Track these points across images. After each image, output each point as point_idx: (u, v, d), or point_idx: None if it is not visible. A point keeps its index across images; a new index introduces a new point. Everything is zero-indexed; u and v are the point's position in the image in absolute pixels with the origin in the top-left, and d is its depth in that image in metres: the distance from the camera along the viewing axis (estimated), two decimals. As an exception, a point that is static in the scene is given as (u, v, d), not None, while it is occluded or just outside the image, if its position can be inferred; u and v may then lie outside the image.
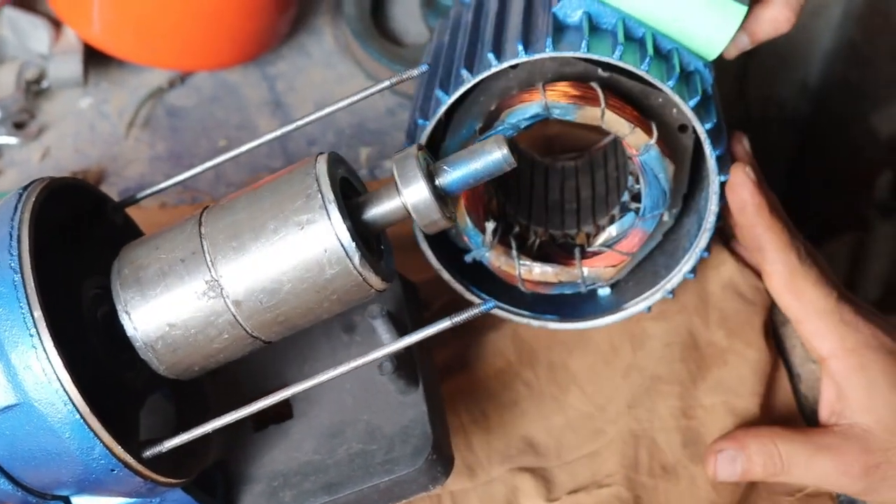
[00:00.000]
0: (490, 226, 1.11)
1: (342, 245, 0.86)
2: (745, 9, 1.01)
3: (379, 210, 0.90)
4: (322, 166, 0.88)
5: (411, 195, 0.88)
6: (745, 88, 2.18)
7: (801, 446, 1.09)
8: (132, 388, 0.96)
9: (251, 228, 0.88)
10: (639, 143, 1.04)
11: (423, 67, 0.95)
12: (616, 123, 1.03)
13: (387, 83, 0.95)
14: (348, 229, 0.86)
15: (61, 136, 1.35)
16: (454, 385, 1.17)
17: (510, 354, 1.19)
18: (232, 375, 1.04)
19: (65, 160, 1.34)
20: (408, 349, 1.01)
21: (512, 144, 0.89)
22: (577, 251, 1.14)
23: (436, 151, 1.09)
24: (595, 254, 1.13)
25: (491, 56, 1.01)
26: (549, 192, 1.22)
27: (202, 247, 0.89)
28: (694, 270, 1.12)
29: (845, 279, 2.17)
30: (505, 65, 1.01)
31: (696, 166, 1.10)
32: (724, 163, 1.06)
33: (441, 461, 0.99)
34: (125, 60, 1.38)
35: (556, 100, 1.02)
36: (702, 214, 1.10)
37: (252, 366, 1.04)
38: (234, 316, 0.89)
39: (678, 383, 1.17)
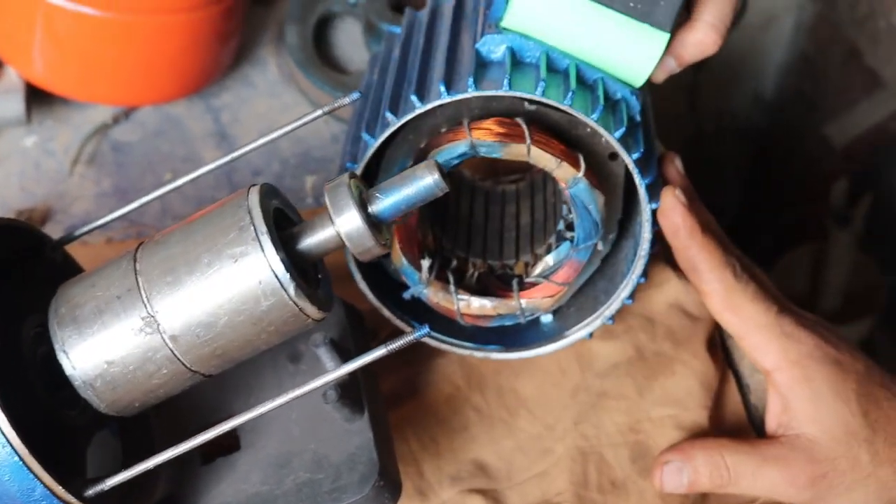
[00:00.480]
0: (426, 263, 1.13)
1: (276, 276, 0.87)
2: (666, 36, 1.02)
3: (313, 239, 0.90)
4: (254, 198, 0.89)
5: (344, 223, 0.88)
6: (696, 101, 2.19)
7: (748, 457, 1.10)
8: (76, 426, 0.96)
9: (185, 262, 0.88)
10: (567, 177, 1.05)
11: (355, 95, 0.96)
12: (542, 158, 1.04)
13: (320, 112, 0.96)
14: (282, 260, 0.87)
15: (6, 175, 1.35)
16: (403, 412, 1.18)
17: (459, 380, 1.20)
18: (177, 409, 1.04)
19: (10, 199, 1.33)
20: (352, 376, 1.02)
21: (443, 169, 0.89)
22: (514, 283, 1.15)
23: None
24: (532, 285, 1.15)
25: (414, 98, 1.03)
26: (488, 219, 1.23)
27: (137, 283, 0.89)
28: (632, 296, 1.13)
29: (806, 290, 2.19)
30: (429, 106, 1.03)
31: (631, 191, 1.11)
32: (655, 190, 1.07)
33: (388, 487, 0.99)
34: (68, 98, 1.38)
35: (481, 138, 1.04)
36: (638, 239, 1.11)
37: (198, 398, 1.05)
38: (171, 351, 0.89)
39: (624, 398, 1.17)
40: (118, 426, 1.03)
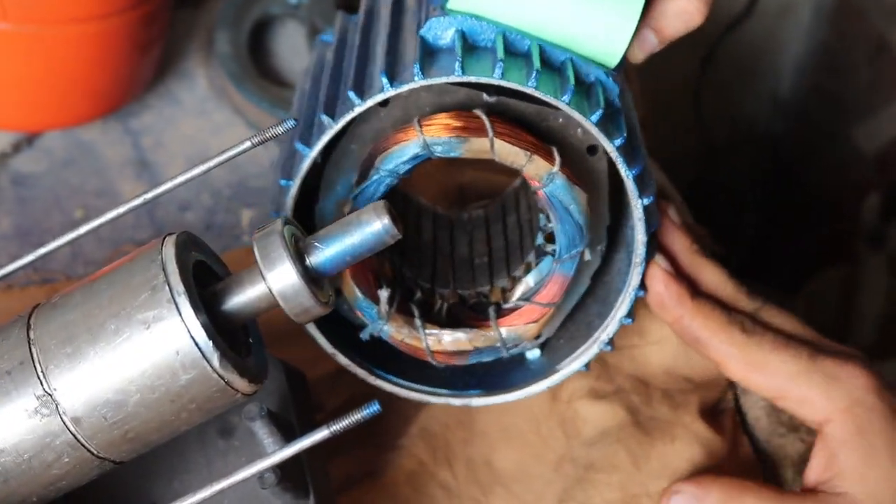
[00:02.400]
0: (384, 294, 1.09)
1: (197, 345, 0.85)
2: (639, 4, 1.00)
3: (241, 299, 0.88)
4: (169, 250, 0.87)
5: (277, 280, 0.86)
6: (701, 109, 2.18)
7: None
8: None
9: (88, 330, 0.86)
10: (540, 173, 1.02)
11: (290, 124, 0.94)
12: (509, 153, 1.01)
13: (248, 144, 0.94)
14: (203, 325, 0.85)
15: None
16: (356, 496, 1.16)
17: (422, 454, 1.18)
18: (87, 499, 1.01)
19: None
20: (295, 455, 0.99)
21: (394, 212, 0.87)
22: (491, 310, 1.13)
23: (310, 216, 1.07)
24: (513, 310, 1.12)
25: (352, 95, 1.00)
26: (455, 246, 1.20)
27: (31, 355, 0.87)
28: (631, 314, 1.11)
29: (835, 321, 2.18)
30: (370, 102, 1.00)
31: (618, 192, 1.08)
32: (645, 183, 1.05)
33: (340, 587, 0.97)
34: (-41, 123, 1.36)
35: (435, 135, 1.01)
36: (630, 246, 1.09)
37: (111, 486, 1.02)
38: (73, 436, 0.87)
39: (617, 470, 1.16)
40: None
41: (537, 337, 1.13)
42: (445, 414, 1.19)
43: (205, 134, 1.41)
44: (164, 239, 0.88)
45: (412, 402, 1.18)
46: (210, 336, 0.85)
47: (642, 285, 1.09)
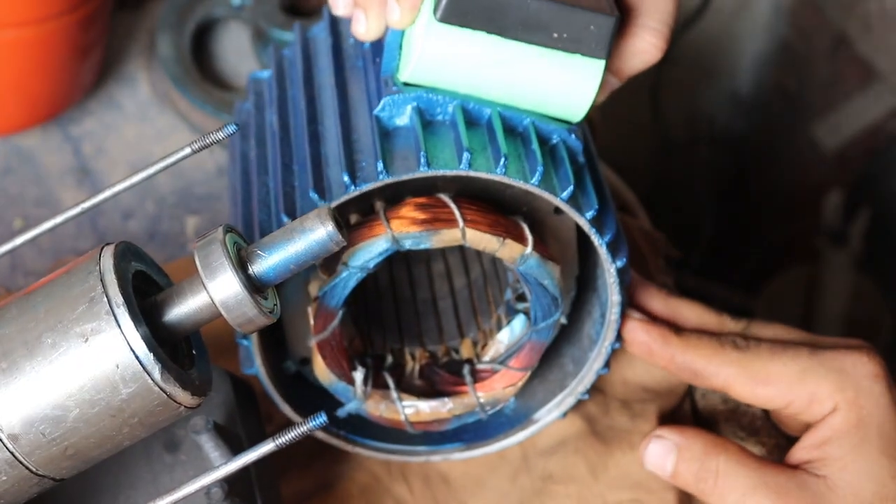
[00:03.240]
0: (359, 375, 1.09)
1: (137, 357, 0.83)
2: (602, 63, 0.99)
3: (183, 310, 0.87)
4: (107, 261, 0.85)
5: (219, 289, 0.85)
6: (661, 105, 2.18)
7: (747, 473, 1.09)
8: None
9: (24, 344, 0.85)
10: (514, 255, 1.02)
11: (232, 128, 0.93)
12: (482, 240, 1.01)
13: (188, 150, 0.93)
14: (143, 337, 0.83)
15: None
16: (309, 511, 1.15)
17: (377, 467, 1.17)
18: (29, 515, 1.01)
19: None
20: (243, 469, 0.99)
21: (339, 218, 0.86)
22: (466, 373, 1.12)
23: None
24: (487, 372, 1.12)
25: (314, 196, 1.00)
26: (415, 287, 1.20)
27: (-35, 370, 0.86)
28: (608, 364, 1.12)
29: (798, 319, 2.18)
30: (335, 203, 1.00)
31: (586, 242, 1.08)
32: (617, 246, 1.05)
33: None
34: None
35: (403, 230, 1.00)
36: (601, 294, 1.10)
37: (54, 501, 1.01)
38: (11, 453, 0.86)
39: (574, 481, 1.16)
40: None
41: (513, 395, 1.14)
42: None
43: (148, 140, 1.40)
44: (101, 249, 0.87)
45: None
46: (151, 348, 0.83)
47: (618, 338, 1.10)
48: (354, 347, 1.11)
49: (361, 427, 1.14)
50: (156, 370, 0.84)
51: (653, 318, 1.14)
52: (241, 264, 0.86)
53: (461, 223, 1.00)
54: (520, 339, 1.10)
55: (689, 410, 1.21)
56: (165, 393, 0.85)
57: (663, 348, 1.12)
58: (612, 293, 1.07)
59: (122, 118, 1.42)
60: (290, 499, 1.12)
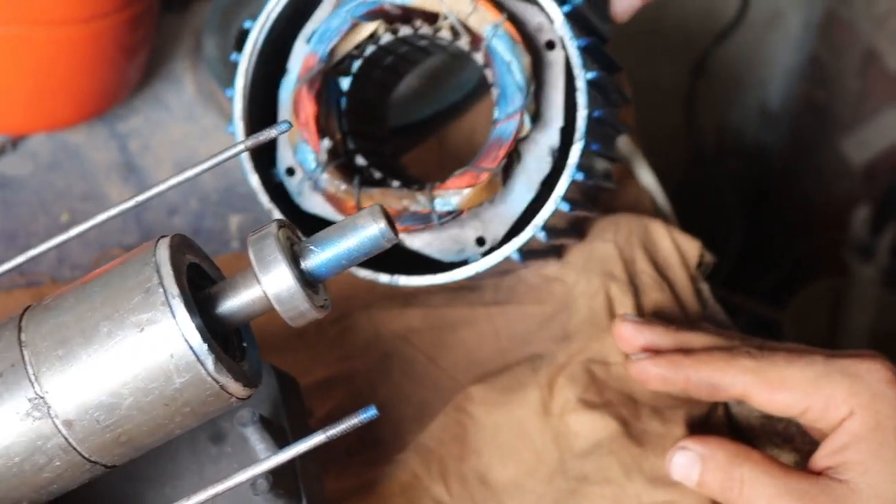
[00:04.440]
0: (326, 143, 1.12)
1: (191, 348, 0.84)
2: None
3: (235, 302, 0.88)
4: (163, 253, 0.86)
5: (272, 283, 0.86)
6: (694, 116, 2.19)
7: (771, 482, 1.09)
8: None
9: (81, 332, 0.85)
10: (484, 24, 1.04)
11: (285, 126, 0.94)
12: (456, 1, 1.05)
13: (241, 146, 0.93)
14: (198, 329, 0.84)
15: None
16: (348, 510, 1.15)
17: (417, 467, 1.17)
18: (78, 502, 1.01)
19: None
20: (288, 461, 0.99)
21: (390, 216, 0.87)
22: (428, 185, 1.14)
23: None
24: (451, 178, 1.13)
25: None
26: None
27: (23, 357, 0.86)
28: (569, 198, 1.11)
29: (823, 334, 2.18)
30: None
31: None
32: (593, 58, 1.07)
33: None
34: (-57, 125, 1.35)
35: None
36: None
37: (102, 491, 1.02)
38: (65, 439, 0.86)
39: (609, 482, 1.15)
40: (4, 527, 1.00)
41: (481, 243, 1.14)
42: (441, 430, 1.19)
43: (192, 138, 1.41)
44: (157, 241, 0.88)
45: (408, 417, 1.19)
46: (205, 339, 0.84)
47: (581, 166, 1.10)
48: (329, 130, 1.14)
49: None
50: (209, 361, 0.85)
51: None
52: (294, 259, 0.87)
53: None
54: (485, 144, 1.11)
55: (723, 417, 1.21)
56: (218, 384, 0.85)
57: (676, 372, 1.14)
58: (580, 106, 1.08)
59: (168, 117, 1.43)
60: (331, 496, 1.12)
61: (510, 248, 1.13)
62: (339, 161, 1.13)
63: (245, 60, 1.11)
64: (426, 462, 1.18)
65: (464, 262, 1.15)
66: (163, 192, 0.95)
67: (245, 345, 0.92)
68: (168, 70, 1.46)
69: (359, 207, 1.12)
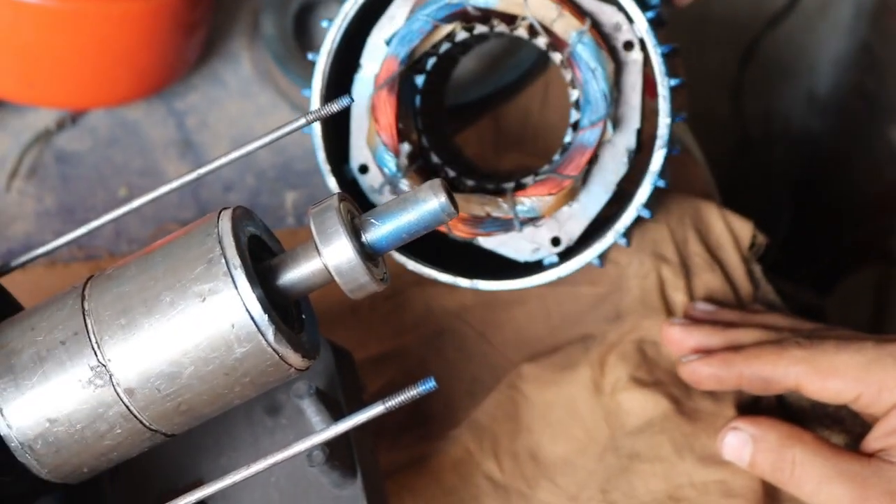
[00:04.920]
0: (406, 147, 1.11)
1: (252, 318, 0.84)
2: None
3: (296, 274, 0.88)
4: (225, 224, 0.86)
5: (333, 255, 0.86)
6: (741, 103, 2.18)
7: (823, 463, 1.09)
8: (12, 494, 0.94)
9: (143, 302, 0.86)
10: (569, 30, 1.04)
11: (346, 101, 0.94)
12: (541, 7, 1.04)
13: (302, 121, 0.93)
14: (259, 299, 0.84)
15: (-71, 190, 1.34)
16: (402, 481, 1.16)
17: (469, 443, 1.17)
18: (135, 472, 1.02)
19: (-65, 220, 1.32)
20: (343, 434, 0.99)
21: (450, 191, 0.86)
22: (510, 186, 1.14)
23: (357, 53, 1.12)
24: (532, 185, 1.12)
25: None
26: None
27: (86, 326, 0.87)
28: (650, 205, 1.10)
29: (869, 320, 2.17)
30: None
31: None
32: (673, 62, 1.06)
33: (385, 564, 0.97)
34: (4, 99, 1.36)
35: None
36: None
37: (159, 459, 1.02)
38: (126, 407, 0.87)
39: (660, 460, 1.15)
40: (63, 494, 1.00)
41: (556, 243, 1.13)
42: (493, 407, 1.19)
43: (248, 116, 1.41)
44: (220, 213, 0.88)
45: (460, 393, 1.18)
46: (265, 309, 0.84)
47: (664, 174, 1.09)
48: (409, 136, 1.13)
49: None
50: (269, 331, 0.85)
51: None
52: (355, 232, 0.87)
53: None
54: (568, 150, 1.10)
55: (773, 399, 1.21)
56: (277, 354, 0.85)
57: (728, 370, 1.14)
58: (661, 114, 1.07)
59: (225, 94, 1.43)
60: (384, 469, 1.13)
61: (591, 255, 1.12)
62: (418, 164, 1.12)
63: (322, 60, 1.10)
64: (479, 438, 1.18)
65: (538, 262, 1.15)
66: (223, 165, 0.96)
67: (304, 317, 0.92)
68: (226, 48, 1.46)
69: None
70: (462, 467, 1.17)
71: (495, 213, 1.11)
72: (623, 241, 1.11)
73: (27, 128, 1.37)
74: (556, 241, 1.14)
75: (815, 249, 2.33)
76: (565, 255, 1.14)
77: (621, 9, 1.08)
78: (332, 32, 1.12)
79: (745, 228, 1.31)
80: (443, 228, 1.12)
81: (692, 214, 1.28)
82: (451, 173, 1.16)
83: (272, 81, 1.43)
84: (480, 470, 1.17)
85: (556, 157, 1.13)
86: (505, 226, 1.12)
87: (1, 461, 0.90)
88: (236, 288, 0.84)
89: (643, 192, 1.10)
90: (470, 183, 1.16)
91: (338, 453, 0.98)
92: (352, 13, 1.12)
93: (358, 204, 1.13)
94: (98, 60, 1.33)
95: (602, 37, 1.07)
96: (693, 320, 1.20)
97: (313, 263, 0.87)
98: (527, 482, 1.17)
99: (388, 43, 1.09)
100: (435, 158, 1.16)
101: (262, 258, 0.89)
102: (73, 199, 1.33)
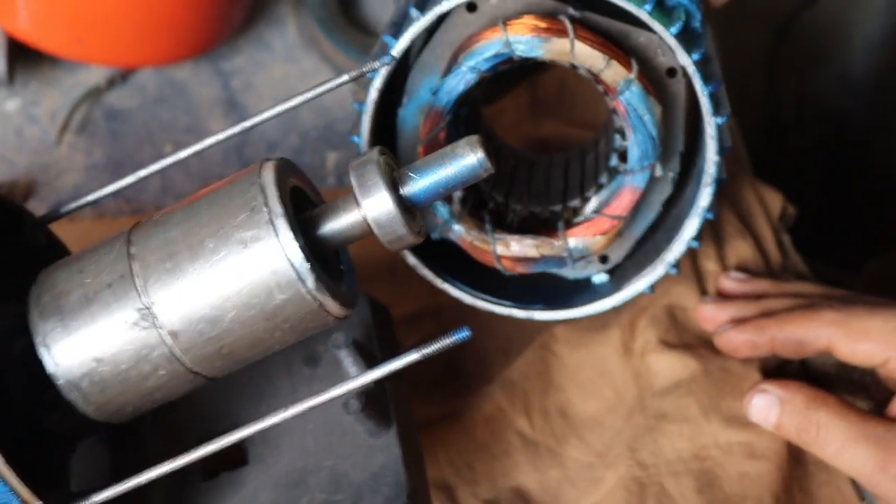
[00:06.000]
0: (458, 194, 1.11)
1: (293, 266, 0.85)
2: None
3: (336, 224, 0.88)
4: (268, 174, 0.87)
5: (372, 207, 0.86)
6: (774, 83, 2.17)
7: (847, 426, 1.10)
8: (58, 433, 0.95)
9: (188, 247, 0.86)
10: (617, 79, 1.02)
11: (387, 59, 0.94)
12: (589, 57, 1.02)
13: (345, 77, 0.94)
14: (300, 247, 0.85)
15: (-17, 143, 1.35)
16: (435, 435, 1.16)
17: (501, 400, 1.18)
18: (176, 416, 1.03)
19: (-12, 170, 1.33)
20: (378, 384, 1.00)
21: (488, 147, 0.87)
22: (561, 223, 1.13)
23: (392, 120, 1.10)
24: (582, 223, 1.12)
25: None
26: (532, 178, 1.21)
27: (131, 269, 0.87)
28: (699, 237, 1.10)
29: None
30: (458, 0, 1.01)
31: (695, 123, 1.08)
32: (720, 102, 1.05)
33: (417, 514, 0.97)
34: (57, 56, 1.37)
35: (518, 33, 1.01)
36: (700, 173, 1.09)
37: (200, 404, 1.03)
38: (170, 349, 0.88)
39: (687, 420, 1.16)
40: (107, 434, 1.01)
41: (605, 260, 1.14)
42: (526, 365, 1.20)
43: (292, 79, 1.42)
44: (263, 163, 0.88)
45: (493, 351, 1.19)
46: (306, 258, 0.85)
47: (712, 208, 1.09)
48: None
49: (454, 272, 1.15)
50: (309, 279, 0.85)
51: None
52: (394, 185, 0.87)
53: (572, 34, 1.01)
54: (617, 189, 1.10)
55: (798, 365, 1.21)
56: (317, 301, 0.86)
57: (762, 335, 1.14)
58: (709, 151, 1.06)
59: (270, 57, 1.43)
60: (418, 422, 1.13)
61: (643, 285, 1.12)
62: (470, 206, 1.13)
63: (379, 79, 1.08)
64: (510, 395, 1.18)
65: (586, 279, 1.16)
66: (268, 119, 0.96)
67: (342, 268, 0.93)
68: (271, 12, 1.47)
69: (497, 257, 1.12)
70: (494, 423, 1.17)
71: (548, 253, 1.12)
72: (674, 272, 1.12)
73: (78, 84, 1.38)
74: (604, 259, 1.15)
75: (843, 230, 2.32)
76: (611, 272, 1.15)
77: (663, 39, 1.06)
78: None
79: (775, 199, 1.31)
80: (493, 262, 1.13)
81: (724, 184, 1.28)
82: (499, 198, 1.17)
83: (317, 46, 1.43)
84: (512, 426, 1.17)
85: (604, 192, 1.13)
86: (558, 264, 1.13)
87: (49, 399, 0.91)
88: (277, 236, 0.85)
89: (692, 227, 1.10)
90: (518, 208, 1.16)
91: (374, 402, 0.99)
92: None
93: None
94: (147, 19, 1.34)
95: (645, 62, 1.06)
96: (725, 296, 1.21)
97: (353, 215, 0.88)
98: (556, 439, 1.17)
99: (433, 93, 1.06)
100: (482, 186, 1.16)
101: (303, 209, 0.90)
102: (121, 154, 1.34)
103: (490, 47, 1.02)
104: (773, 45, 2.12)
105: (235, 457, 1.03)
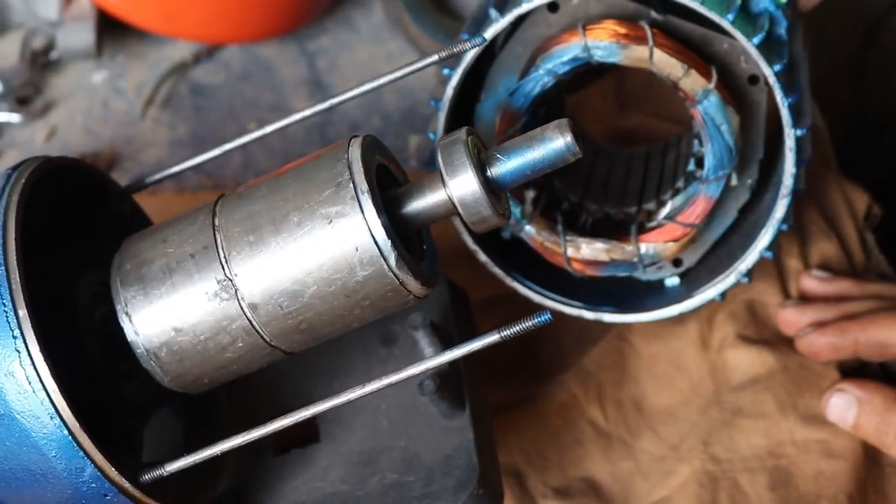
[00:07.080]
0: (530, 194, 1.10)
1: (376, 243, 0.84)
2: None
3: (420, 203, 0.88)
4: (356, 151, 0.86)
5: (458, 187, 0.86)
6: (861, 86, 2.14)
7: None
8: (134, 401, 0.95)
9: (271, 221, 0.86)
10: (695, 88, 1.01)
11: (479, 40, 0.93)
12: (667, 65, 1.01)
13: (435, 57, 0.94)
14: (384, 225, 0.84)
15: (70, 114, 1.35)
16: (507, 421, 1.16)
17: (575, 388, 1.17)
18: (250, 390, 1.03)
19: (73, 141, 1.33)
20: (454, 367, 1.00)
21: (577, 130, 0.86)
22: (633, 227, 1.12)
23: (468, 116, 1.09)
24: (654, 228, 1.11)
25: None
26: (611, 174, 1.20)
27: (215, 241, 0.87)
28: (772, 247, 1.09)
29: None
30: (538, 1, 1.00)
31: (776, 133, 1.07)
32: (800, 113, 1.04)
33: (488, 497, 0.97)
34: (145, 30, 1.37)
35: (596, 39, 1.01)
36: (778, 181, 1.08)
37: (274, 379, 1.04)
38: (249, 321, 0.87)
39: (763, 416, 1.15)
40: (182, 404, 1.02)
41: (678, 264, 1.13)
42: (601, 356, 1.19)
43: (378, 61, 1.41)
44: (350, 139, 0.88)
45: (568, 340, 1.18)
46: (389, 235, 0.84)
47: (787, 219, 1.08)
48: (534, 181, 1.11)
49: (524, 271, 1.14)
50: (392, 256, 0.85)
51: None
52: (481, 166, 0.86)
53: (651, 42, 1.00)
54: (691, 197, 1.09)
55: (877, 366, 1.19)
56: (398, 279, 0.86)
57: (844, 338, 1.13)
58: (787, 162, 1.05)
59: (356, 38, 1.43)
60: (491, 408, 1.13)
61: (714, 292, 1.12)
62: (542, 205, 1.12)
63: (456, 77, 1.07)
64: (585, 385, 1.17)
65: (659, 281, 1.15)
66: (352, 98, 0.97)
67: (424, 248, 0.92)
68: (359, -6, 1.47)
69: (567, 259, 1.12)
70: (567, 411, 1.17)
71: (619, 258, 1.11)
72: (745, 280, 1.11)
73: (165, 59, 1.39)
74: (677, 262, 1.14)
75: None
76: (683, 275, 1.14)
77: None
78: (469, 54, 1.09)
79: (861, 198, 1.29)
80: (563, 263, 1.12)
81: (810, 182, 1.27)
82: (574, 198, 1.16)
83: (403, 29, 1.43)
84: (585, 415, 1.17)
85: (676, 200, 1.12)
86: (628, 268, 1.12)
87: (128, 367, 0.91)
88: (363, 212, 0.84)
89: (766, 238, 1.09)
90: (592, 208, 1.15)
91: (448, 385, 0.98)
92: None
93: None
94: (236, -3, 1.34)
95: (725, 68, 1.05)
96: (806, 298, 1.19)
97: (438, 194, 0.87)
98: (629, 430, 1.16)
99: (509, 94, 1.06)
100: (556, 183, 1.15)
101: (388, 187, 0.89)
102: (204, 130, 1.35)
103: (568, 51, 1.02)
104: (862, 47, 2.09)
105: (307, 434, 1.03)
